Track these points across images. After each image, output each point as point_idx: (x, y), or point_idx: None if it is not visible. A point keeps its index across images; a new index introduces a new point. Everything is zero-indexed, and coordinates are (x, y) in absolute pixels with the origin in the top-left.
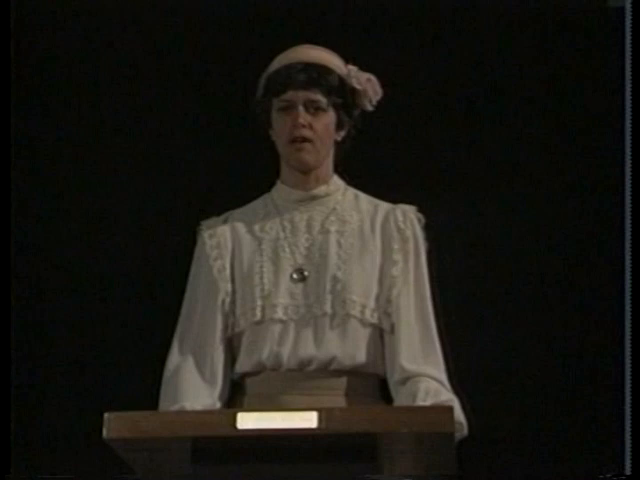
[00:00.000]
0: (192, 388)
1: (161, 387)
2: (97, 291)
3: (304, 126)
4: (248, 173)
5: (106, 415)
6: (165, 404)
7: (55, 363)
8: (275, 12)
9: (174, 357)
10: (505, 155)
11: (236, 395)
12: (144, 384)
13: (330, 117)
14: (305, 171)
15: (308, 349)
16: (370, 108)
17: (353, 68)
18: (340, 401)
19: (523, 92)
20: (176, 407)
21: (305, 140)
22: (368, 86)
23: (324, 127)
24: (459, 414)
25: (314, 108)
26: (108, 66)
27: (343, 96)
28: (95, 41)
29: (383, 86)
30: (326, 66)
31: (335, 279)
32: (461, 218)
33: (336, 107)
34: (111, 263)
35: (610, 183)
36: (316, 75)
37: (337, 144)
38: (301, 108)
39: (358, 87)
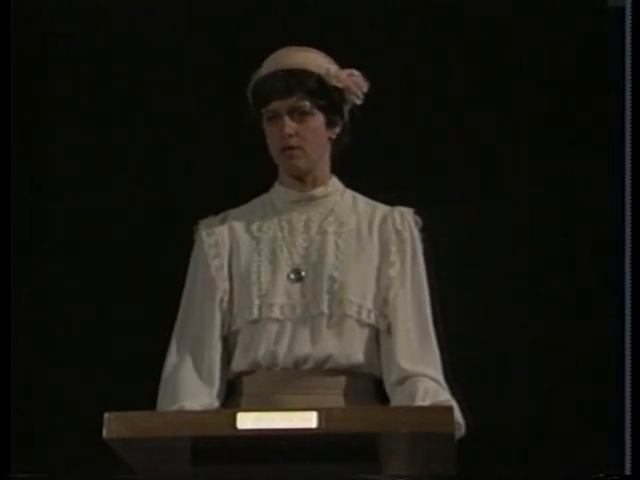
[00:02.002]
0: (190, 387)
1: (160, 386)
2: (96, 291)
3: (291, 135)
4: (247, 174)
5: (106, 415)
6: (164, 403)
7: (55, 363)
8: (275, 12)
9: (172, 356)
10: (504, 156)
11: (232, 394)
12: (144, 384)
13: (317, 119)
14: (300, 176)
15: (304, 348)
16: (359, 102)
17: (333, 67)
18: (336, 400)
19: (523, 92)
20: (175, 407)
21: (294, 148)
22: (350, 82)
23: (312, 131)
24: (457, 414)
25: (299, 114)
26: (108, 66)
27: (327, 96)
28: (94, 41)
29: (383, 87)
30: (305, 70)
31: (332, 279)
32: (458, 220)
33: (322, 108)
34: (110, 262)
35: (610, 183)
36: (296, 81)
37: (333, 141)
38: (286, 117)
39: (340, 85)
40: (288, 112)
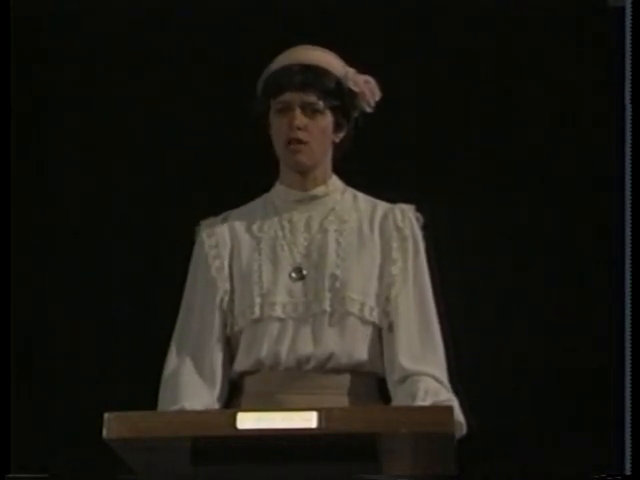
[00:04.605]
0: (191, 388)
1: (160, 387)
2: (96, 291)
3: (300, 128)
4: (248, 174)
5: (106, 415)
6: (164, 404)
7: (55, 363)
8: (276, 11)
9: (173, 356)
10: (505, 154)
11: (234, 394)
12: (144, 384)
13: (327, 119)
14: (302, 172)
15: (306, 347)
16: (369, 110)
17: (351, 70)
18: (338, 400)
19: (523, 92)
20: (176, 407)
21: (300, 142)
22: (366, 88)
23: (320, 129)
24: (458, 413)
25: (311, 110)
26: (108, 66)
27: (340, 98)
28: (94, 41)
29: (383, 85)
30: (323, 68)
31: (334, 277)
32: (460, 217)
33: (333, 109)
34: (110, 263)
35: (610, 183)
36: (313, 77)
37: (335, 145)
38: (297, 110)
39: (355, 90)
40: (300, 106)
